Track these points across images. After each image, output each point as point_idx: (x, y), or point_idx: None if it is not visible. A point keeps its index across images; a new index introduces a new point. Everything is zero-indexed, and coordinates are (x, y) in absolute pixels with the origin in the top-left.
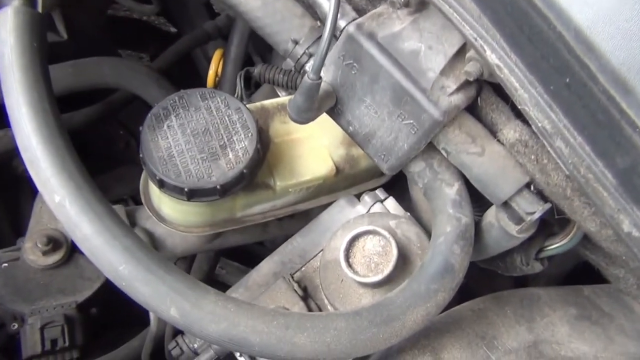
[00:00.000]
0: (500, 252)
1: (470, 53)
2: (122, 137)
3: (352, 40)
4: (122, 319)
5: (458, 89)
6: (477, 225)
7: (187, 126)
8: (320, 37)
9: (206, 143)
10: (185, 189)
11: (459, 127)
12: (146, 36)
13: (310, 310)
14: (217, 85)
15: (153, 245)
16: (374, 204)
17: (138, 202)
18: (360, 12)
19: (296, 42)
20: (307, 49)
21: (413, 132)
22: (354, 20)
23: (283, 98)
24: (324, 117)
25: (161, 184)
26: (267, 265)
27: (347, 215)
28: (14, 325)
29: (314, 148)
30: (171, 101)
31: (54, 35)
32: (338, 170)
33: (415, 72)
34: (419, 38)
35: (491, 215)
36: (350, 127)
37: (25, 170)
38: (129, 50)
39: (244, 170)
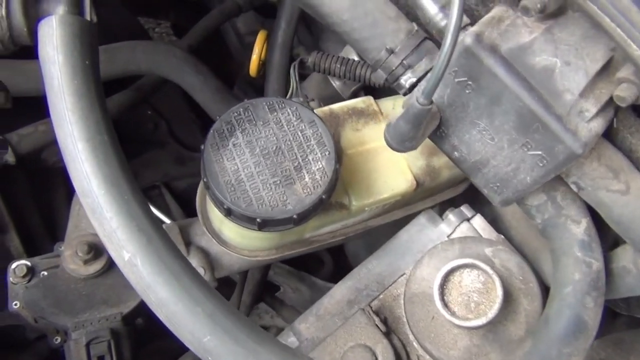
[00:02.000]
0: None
1: (624, 72)
2: (151, 118)
3: (470, 54)
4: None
5: (598, 113)
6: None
7: (255, 144)
8: (418, 45)
9: (279, 164)
10: (258, 220)
11: (597, 159)
12: (165, 2)
13: (394, 348)
14: (261, 72)
15: (209, 264)
16: (460, 223)
17: (170, 189)
18: (467, 13)
19: (391, 51)
20: (404, 59)
21: (541, 164)
22: (466, 26)
23: (353, 101)
24: None
25: (229, 213)
26: (340, 292)
27: (428, 236)
28: (56, 339)
29: (391, 160)
30: (235, 114)
31: None
32: (418, 184)
33: (548, 93)
34: (554, 51)
35: (626, 259)
36: (456, 153)
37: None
38: (147, 17)
39: (323, 196)
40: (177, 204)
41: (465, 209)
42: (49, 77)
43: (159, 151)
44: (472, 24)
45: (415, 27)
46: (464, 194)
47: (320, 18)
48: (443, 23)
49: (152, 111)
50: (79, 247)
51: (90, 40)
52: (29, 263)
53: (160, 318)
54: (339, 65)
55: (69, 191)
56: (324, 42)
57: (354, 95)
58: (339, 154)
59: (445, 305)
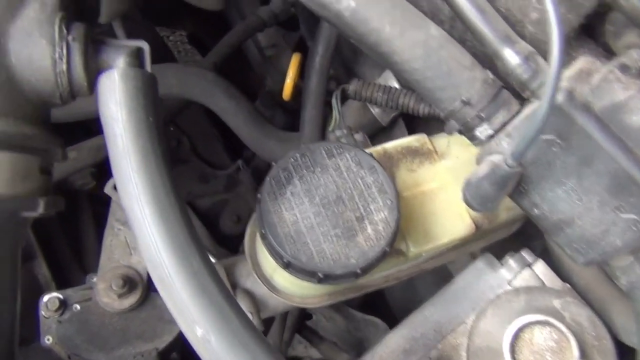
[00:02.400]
0: None
1: None
2: (173, 135)
3: (561, 112)
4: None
5: None
6: None
7: (315, 193)
8: (495, 95)
9: (340, 215)
10: (319, 274)
11: None
12: (181, 10)
13: None
14: (294, 97)
15: (255, 307)
16: (522, 269)
17: (193, 207)
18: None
19: (466, 102)
20: (480, 110)
21: (635, 228)
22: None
23: (406, 140)
24: (456, 162)
25: (288, 266)
26: (395, 340)
27: (488, 282)
28: None
29: (449, 202)
30: (292, 160)
31: None
32: (477, 227)
33: None
34: None
35: None
36: (536, 210)
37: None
38: (163, 26)
39: (386, 249)
40: (201, 223)
41: (526, 254)
42: (112, 135)
43: (182, 168)
44: None
45: (491, 76)
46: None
47: (389, 65)
48: (526, 76)
49: (175, 128)
50: (114, 280)
51: (153, 94)
52: (61, 296)
53: None
54: (381, 94)
55: (95, 214)
56: (360, 67)
57: (393, 122)
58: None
59: None
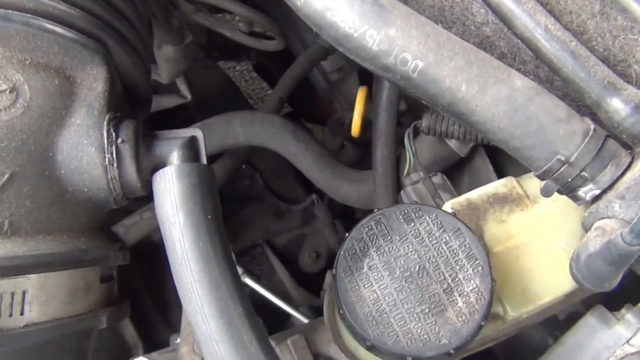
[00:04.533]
0: None
1: None
2: (246, 173)
3: None
4: None
5: None
6: None
7: (394, 265)
8: (600, 149)
9: (425, 288)
10: (407, 358)
11: None
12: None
13: None
14: (364, 131)
15: None
16: None
17: (272, 246)
18: None
19: (565, 161)
20: (583, 169)
21: None
22: None
23: (493, 186)
24: (552, 207)
25: (372, 349)
26: None
27: (602, 341)
28: None
29: (547, 254)
30: (367, 229)
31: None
32: None
33: None
34: None
35: None
36: None
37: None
38: (228, 59)
39: (482, 323)
40: (279, 261)
41: None
42: (170, 240)
43: (257, 206)
44: None
45: (592, 126)
46: None
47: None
48: (637, 128)
49: (247, 165)
50: (196, 343)
51: (211, 189)
52: None
53: None
54: (457, 127)
55: None
56: None
57: (472, 152)
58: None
59: None
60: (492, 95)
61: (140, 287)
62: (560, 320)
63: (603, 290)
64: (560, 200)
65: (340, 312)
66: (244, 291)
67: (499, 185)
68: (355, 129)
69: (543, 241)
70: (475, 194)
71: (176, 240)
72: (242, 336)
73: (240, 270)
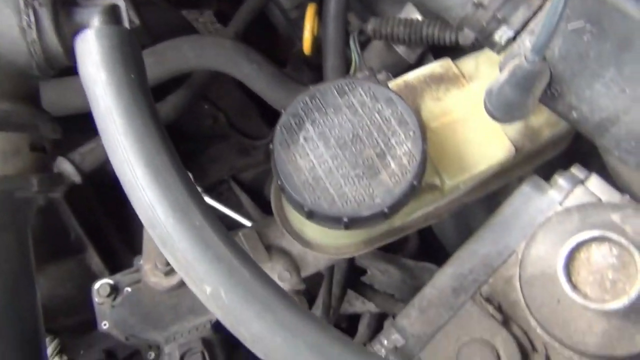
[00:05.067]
0: None
1: None
2: (208, 113)
3: None
4: None
5: None
6: None
7: (329, 135)
8: None
9: (359, 154)
10: (344, 219)
11: None
12: None
13: (516, 338)
14: (315, 49)
15: (293, 265)
16: (574, 188)
17: (238, 182)
18: None
19: (479, 4)
20: (497, 11)
21: None
22: None
23: (429, 67)
24: (487, 83)
25: (310, 215)
26: (442, 280)
27: (537, 206)
28: (150, 355)
29: (483, 126)
30: (302, 104)
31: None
32: (517, 149)
33: None
34: None
35: None
36: (574, 113)
37: None
38: (190, 9)
39: (414, 182)
40: (247, 196)
41: (577, 171)
42: (94, 99)
43: (222, 144)
44: None
45: None
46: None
47: None
48: None
49: (209, 105)
50: (158, 258)
51: (133, 50)
52: (111, 281)
53: (257, 354)
54: (402, 29)
55: None
56: (378, 5)
57: (421, 58)
58: (424, 131)
59: (575, 287)
60: None
61: (104, 218)
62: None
63: (513, 121)
64: (495, 77)
65: (279, 183)
66: (170, 143)
67: (435, 66)
68: (307, 46)
69: (478, 115)
70: (412, 75)
71: (99, 97)
72: (168, 182)
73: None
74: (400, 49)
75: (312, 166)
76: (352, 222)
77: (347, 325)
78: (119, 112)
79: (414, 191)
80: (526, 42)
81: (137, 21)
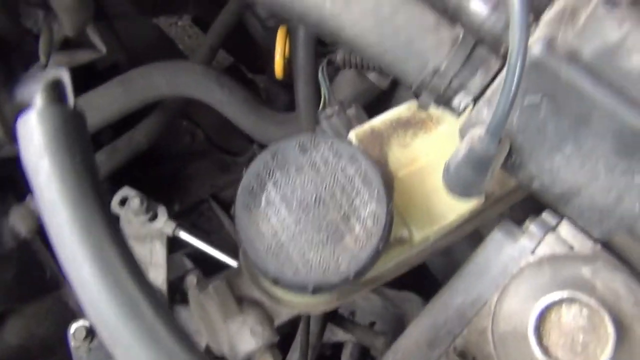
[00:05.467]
0: None
1: None
2: (186, 129)
3: (541, 68)
4: None
5: None
6: None
7: (292, 197)
8: (468, 55)
9: (322, 217)
10: (309, 287)
11: None
12: None
13: None
14: (287, 73)
15: (267, 318)
16: (545, 235)
17: (219, 201)
18: None
19: (435, 71)
20: (453, 78)
21: None
22: (530, 25)
23: (396, 111)
24: (455, 126)
25: (276, 282)
26: (417, 332)
27: (509, 254)
28: None
29: None
30: (263, 163)
31: (89, 52)
32: (486, 196)
33: None
34: None
35: None
36: (536, 182)
37: None
38: (167, 15)
39: (379, 247)
40: (227, 216)
41: (548, 216)
42: (37, 189)
43: (201, 162)
44: (536, 19)
45: (461, 34)
46: None
47: (342, 44)
48: (499, 27)
49: (187, 121)
50: None
51: (79, 130)
52: (87, 324)
53: None
54: None
55: None
56: None
57: (394, 83)
58: (390, 187)
59: (546, 350)
60: (358, 9)
61: None
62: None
63: (471, 198)
64: (463, 119)
65: (242, 249)
66: (120, 234)
67: (402, 110)
68: (278, 70)
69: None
70: (378, 121)
71: (43, 188)
72: (120, 279)
73: (173, 225)
74: (372, 76)
75: (275, 232)
76: (318, 290)
77: (330, 353)
78: (63, 205)
79: (379, 254)
80: (484, 112)
81: (103, 49)
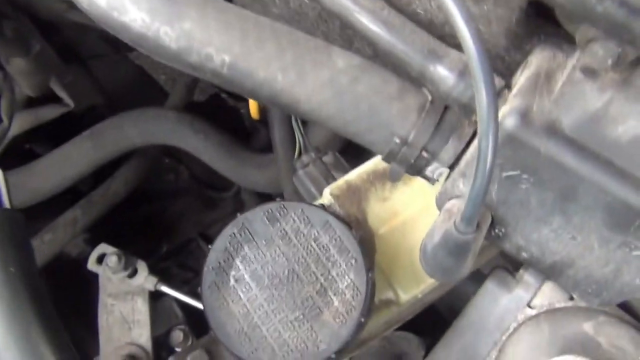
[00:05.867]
0: None
1: None
2: (168, 166)
3: (517, 143)
4: None
5: None
6: None
7: (262, 273)
8: (438, 122)
9: (297, 293)
10: None
11: None
12: None
13: None
14: (263, 113)
15: None
16: (541, 285)
17: (207, 239)
18: (497, 65)
19: (404, 142)
20: (424, 148)
21: None
22: (502, 90)
23: (371, 164)
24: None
25: None
26: None
27: (504, 306)
28: None
29: None
30: (229, 238)
31: (57, 107)
32: None
33: None
34: None
35: None
36: (524, 254)
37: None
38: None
39: (362, 320)
40: None
41: None
42: None
43: (186, 199)
44: (508, 84)
45: (429, 97)
46: None
47: (300, 117)
48: (467, 96)
49: (170, 158)
50: None
51: (12, 237)
52: None
53: None
54: None
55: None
56: None
57: None
58: (372, 249)
59: None
60: (313, 81)
61: (65, 306)
62: (485, 274)
63: (453, 281)
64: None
65: (212, 332)
66: (67, 346)
67: (378, 161)
68: (253, 111)
69: (429, 213)
70: (354, 175)
71: None
72: None
73: (154, 280)
74: None
75: (247, 312)
76: None
77: None
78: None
79: (362, 328)
80: (459, 184)
81: (71, 104)
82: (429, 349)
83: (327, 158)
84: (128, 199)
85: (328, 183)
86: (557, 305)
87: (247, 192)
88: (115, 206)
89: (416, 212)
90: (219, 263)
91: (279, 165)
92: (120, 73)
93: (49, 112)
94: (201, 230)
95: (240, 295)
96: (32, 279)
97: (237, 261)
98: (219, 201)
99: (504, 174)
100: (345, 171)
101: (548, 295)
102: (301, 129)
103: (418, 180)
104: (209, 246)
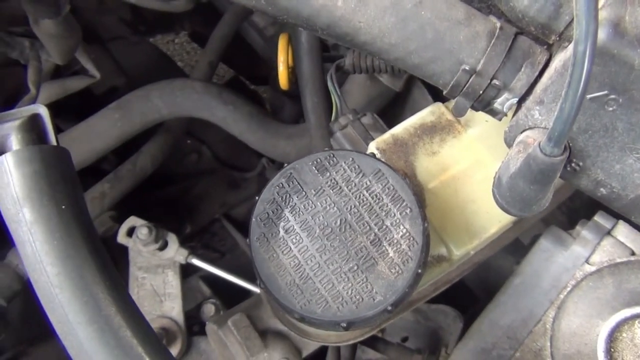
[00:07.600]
0: None
1: None
2: (191, 147)
3: (608, 56)
4: None
5: None
6: None
7: (313, 223)
8: (509, 49)
9: (350, 243)
10: (342, 324)
11: None
12: (177, 14)
13: None
14: (292, 83)
15: (293, 350)
16: (601, 240)
17: (231, 219)
18: None
19: (472, 71)
20: (494, 77)
21: None
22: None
23: (419, 117)
24: (486, 128)
25: (303, 320)
26: (463, 357)
27: (561, 264)
28: None
29: (488, 181)
30: (277, 188)
31: (83, 79)
32: None
33: None
34: None
35: None
36: (603, 190)
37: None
38: (163, 34)
39: (419, 270)
40: (240, 234)
41: (601, 219)
42: (19, 242)
43: (210, 180)
44: None
45: (499, 24)
46: None
47: (359, 48)
48: (546, 14)
49: (192, 139)
50: None
51: (62, 173)
52: None
53: None
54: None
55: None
56: None
57: (408, 84)
58: (423, 201)
59: None
60: (375, 6)
61: None
62: (525, 245)
63: (532, 214)
64: (493, 119)
65: (261, 286)
66: (121, 289)
67: (425, 114)
68: (283, 80)
69: (481, 167)
70: (400, 128)
71: (25, 242)
72: (121, 343)
73: (185, 252)
74: (384, 78)
75: (298, 263)
76: (352, 325)
77: None
78: (49, 261)
79: (419, 279)
80: (535, 113)
81: (97, 75)
82: (466, 323)
83: (366, 119)
84: (151, 179)
85: (367, 144)
86: (619, 261)
87: (271, 171)
88: (142, 182)
89: (467, 166)
90: (267, 214)
91: (311, 133)
92: (140, 56)
93: (76, 83)
94: (225, 210)
95: (290, 247)
96: (83, 216)
97: (287, 212)
98: (243, 181)
99: (589, 96)
100: (384, 131)
101: (608, 251)
102: (337, 89)
103: (467, 135)
104: (256, 197)
